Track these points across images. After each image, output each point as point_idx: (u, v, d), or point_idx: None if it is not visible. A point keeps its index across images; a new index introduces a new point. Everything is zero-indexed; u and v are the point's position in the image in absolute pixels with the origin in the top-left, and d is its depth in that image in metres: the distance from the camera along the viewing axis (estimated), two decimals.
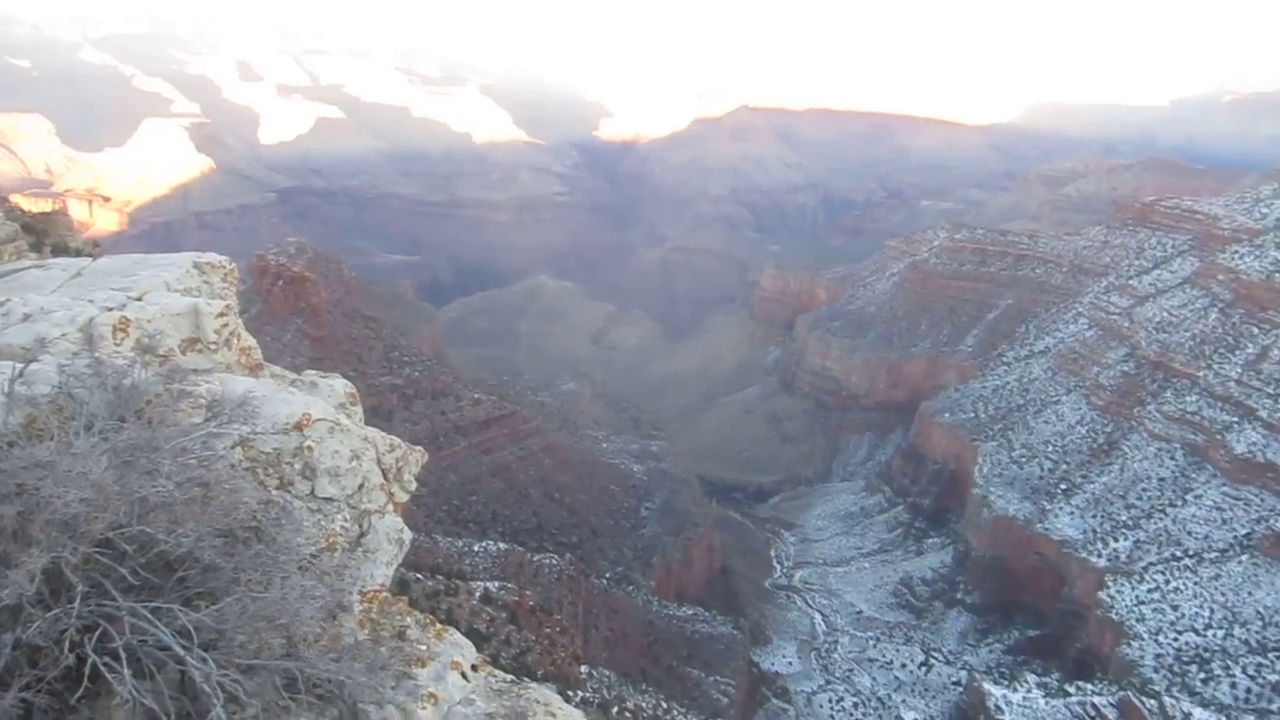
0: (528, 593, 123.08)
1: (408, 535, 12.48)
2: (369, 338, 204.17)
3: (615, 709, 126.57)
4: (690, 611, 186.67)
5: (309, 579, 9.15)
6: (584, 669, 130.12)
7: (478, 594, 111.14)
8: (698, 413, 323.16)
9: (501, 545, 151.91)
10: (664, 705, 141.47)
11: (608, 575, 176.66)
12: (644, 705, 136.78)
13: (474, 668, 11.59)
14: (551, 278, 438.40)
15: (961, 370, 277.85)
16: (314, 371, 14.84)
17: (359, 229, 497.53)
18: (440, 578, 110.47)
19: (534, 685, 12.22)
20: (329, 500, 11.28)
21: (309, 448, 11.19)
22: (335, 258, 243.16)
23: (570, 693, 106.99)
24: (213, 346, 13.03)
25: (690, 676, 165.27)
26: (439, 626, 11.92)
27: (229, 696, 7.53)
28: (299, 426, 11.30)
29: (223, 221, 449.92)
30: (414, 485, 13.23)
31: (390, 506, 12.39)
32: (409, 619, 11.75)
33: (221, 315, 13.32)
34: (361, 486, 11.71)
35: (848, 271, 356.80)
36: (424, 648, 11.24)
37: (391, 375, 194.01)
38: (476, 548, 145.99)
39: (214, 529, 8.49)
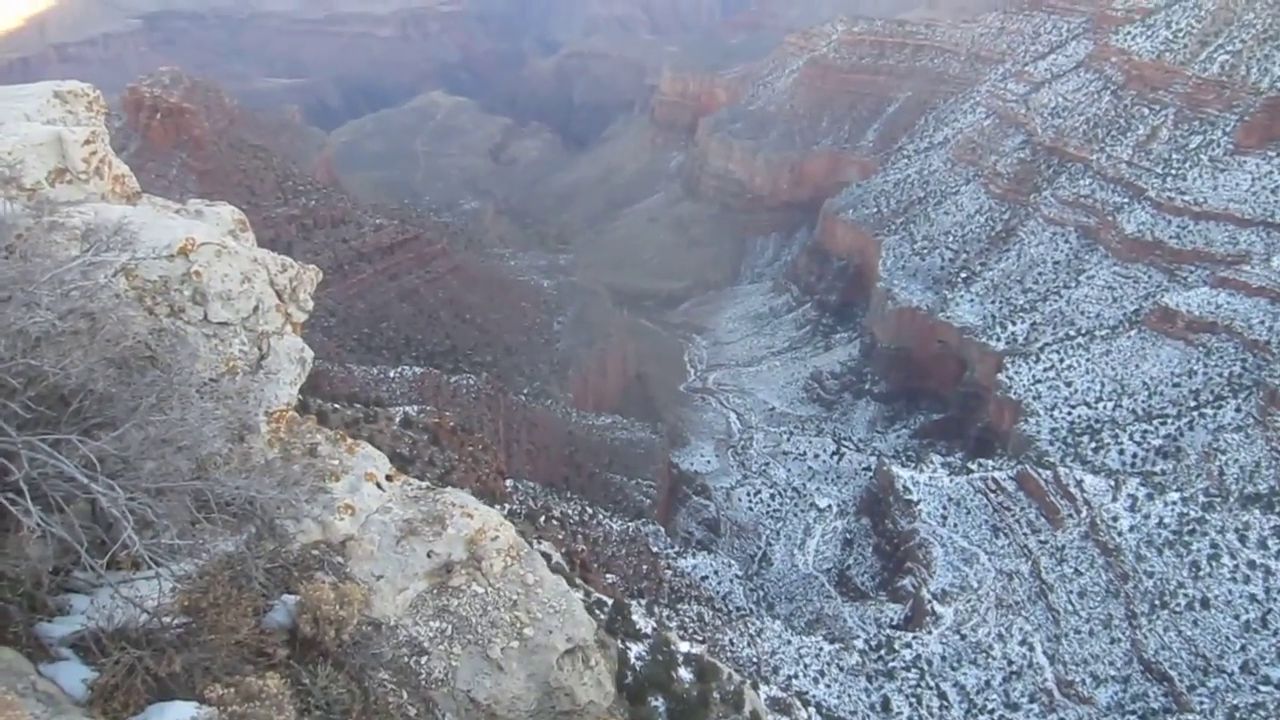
0: (447, 414, 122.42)
1: (309, 354, 12.20)
2: (259, 168, 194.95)
3: (542, 518, 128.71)
4: (609, 420, 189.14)
5: (210, 402, 9.28)
6: (508, 483, 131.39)
7: (397, 419, 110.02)
8: (603, 223, 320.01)
9: (417, 369, 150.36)
10: (589, 510, 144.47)
11: (525, 391, 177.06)
12: (569, 512, 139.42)
13: (388, 478, 11.71)
14: (444, 93, 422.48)
15: (863, 166, 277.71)
16: (200, 200, 14.07)
17: (235, 53, 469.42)
18: (358, 405, 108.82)
19: (449, 490, 12.21)
20: (224, 325, 10.99)
21: (197, 273, 10.80)
22: (213, 86, 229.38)
23: (496, 506, 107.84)
24: (83, 176, 12.39)
25: (613, 481, 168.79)
26: (350, 441, 11.94)
27: (141, 521, 7.58)
28: (184, 252, 10.85)
29: (86, 54, 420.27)
30: (310, 304, 12.83)
31: (288, 327, 12.07)
32: (319, 436, 11.72)
33: (89, 143, 12.57)
34: (256, 309, 11.37)
35: (747, 70, 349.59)
36: (336, 462, 11.36)
37: (287, 206, 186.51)
38: (392, 373, 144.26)
39: (105, 359, 8.43)
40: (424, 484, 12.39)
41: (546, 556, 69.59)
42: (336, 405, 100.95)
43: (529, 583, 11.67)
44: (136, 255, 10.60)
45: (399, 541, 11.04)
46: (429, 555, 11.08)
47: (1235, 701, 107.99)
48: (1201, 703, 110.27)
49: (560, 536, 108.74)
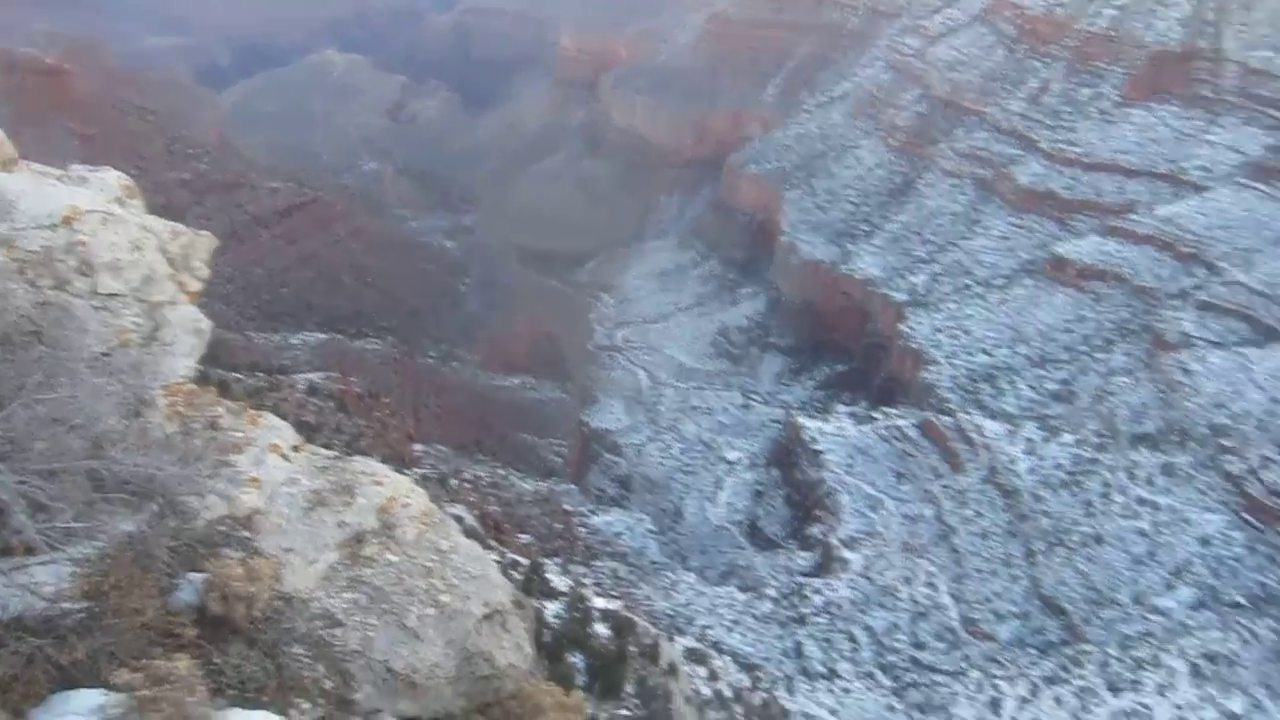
0: (353, 380, 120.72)
1: (207, 324, 11.84)
2: (147, 131, 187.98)
3: (453, 481, 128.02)
4: (518, 380, 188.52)
5: (102, 377, 8.98)
6: (418, 447, 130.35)
7: (302, 387, 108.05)
8: (507, 182, 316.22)
9: (320, 335, 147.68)
10: (501, 472, 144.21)
11: (433, 354, 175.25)
12: (481, 474, 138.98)
13: (295, 448, 11.45)
14: (338, 51, 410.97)
15: (765, 121, 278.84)
16: (83, 166, 13.34)
17: (118, 10, 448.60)
18: (261, 374, 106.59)
19: (358, 458, 12.00)
20: (114, 296, 10.64)
21: (82, 243, 10.42)
22: (95, 45, 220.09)
23: (406, 471, 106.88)
24: None
25: (524, 442, 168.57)
26: (253, 412, 11.66)
27: (34, 505, 7.36)
28: (67, 221, 10.47)
29: None
30: (206, 272, 12.42)
31: (183, 297, 11.74)
32: (219, 408, 11.38)
33: None
34: (148, 279, 11.05)
35: (648, 26, 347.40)
36: (239, 434, 11.06)
37: (177, 170, 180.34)
38: (294, 340, 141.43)
39: None
40: (332, 453, 12.13)
41: (459, 520, 69.38)
42: (238, 375, 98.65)
43: (443, 549, 11.51)
44: (15, 226, 10.22)
45: (308, 513, 10.79)
46: (340, 526, 10.86)
47: (1127, 630, 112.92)
48: (1095, 633, 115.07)
49: (473, 499, 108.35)
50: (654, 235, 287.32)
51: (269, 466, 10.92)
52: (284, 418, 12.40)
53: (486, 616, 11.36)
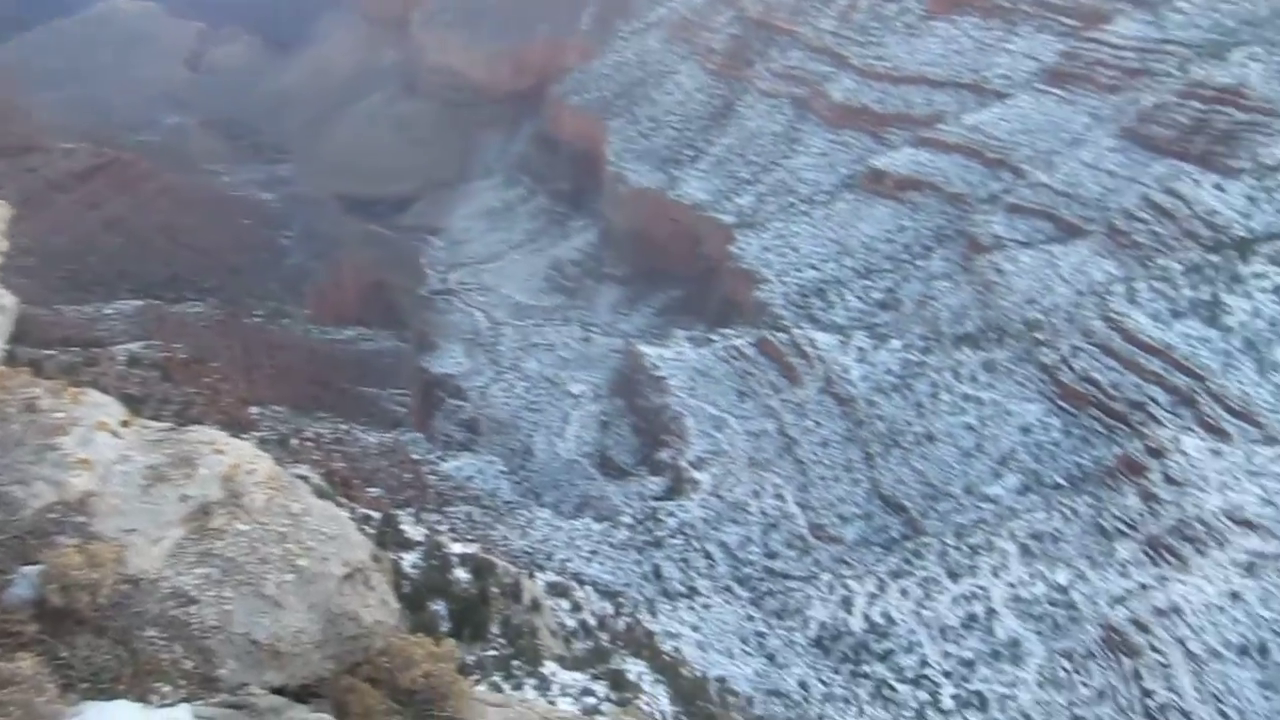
0: (177, 346, 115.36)
1: (10, 300, 11.32)
2: None
3: (294, 441, 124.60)
4: (352, 332, 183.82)
5: None
6: (254, 410, 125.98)
7: (122, 358, 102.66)
8: (321, 129, 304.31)
9: (135, 303, 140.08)
10: (343, 427, 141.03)
11: (259, 313, 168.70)
12: (323, 431, 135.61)
13: (124, 423, 10.87)
14: None
15: (583, 50, 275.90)
16: None
17: None
18: (75, 349, 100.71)
19: (195, 428, 11.47)
20: None
21: None
22: None
23: (244, 435, 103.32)
24: None
25: (365, 395, 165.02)
26: (73, 389, 11.01)
27: None
28: None
29: None
30: (3, 244, 11.69)
31: None
32: (36, 389, 10.78)
33: None
34: None
35: None
36: (61, 415, 10.43)
37: None
38: (108, 310, 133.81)
39: None
40: (165, 425, 11.55)
41: (304, 480, 67.55)
42: (50, 352, 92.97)
43: (295, 512, 11.04)
44: None
45: (146, 490, 10.25)
46: (182, 500, 10.35)
47: (961, 520, 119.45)
48: (933, 525, 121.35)
49: (317, 458, 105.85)
50: (479, 174, 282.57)
51: (98, 445, 10.31)
52: (106, 392, 11.68)
53: (348, 576, 11.05)
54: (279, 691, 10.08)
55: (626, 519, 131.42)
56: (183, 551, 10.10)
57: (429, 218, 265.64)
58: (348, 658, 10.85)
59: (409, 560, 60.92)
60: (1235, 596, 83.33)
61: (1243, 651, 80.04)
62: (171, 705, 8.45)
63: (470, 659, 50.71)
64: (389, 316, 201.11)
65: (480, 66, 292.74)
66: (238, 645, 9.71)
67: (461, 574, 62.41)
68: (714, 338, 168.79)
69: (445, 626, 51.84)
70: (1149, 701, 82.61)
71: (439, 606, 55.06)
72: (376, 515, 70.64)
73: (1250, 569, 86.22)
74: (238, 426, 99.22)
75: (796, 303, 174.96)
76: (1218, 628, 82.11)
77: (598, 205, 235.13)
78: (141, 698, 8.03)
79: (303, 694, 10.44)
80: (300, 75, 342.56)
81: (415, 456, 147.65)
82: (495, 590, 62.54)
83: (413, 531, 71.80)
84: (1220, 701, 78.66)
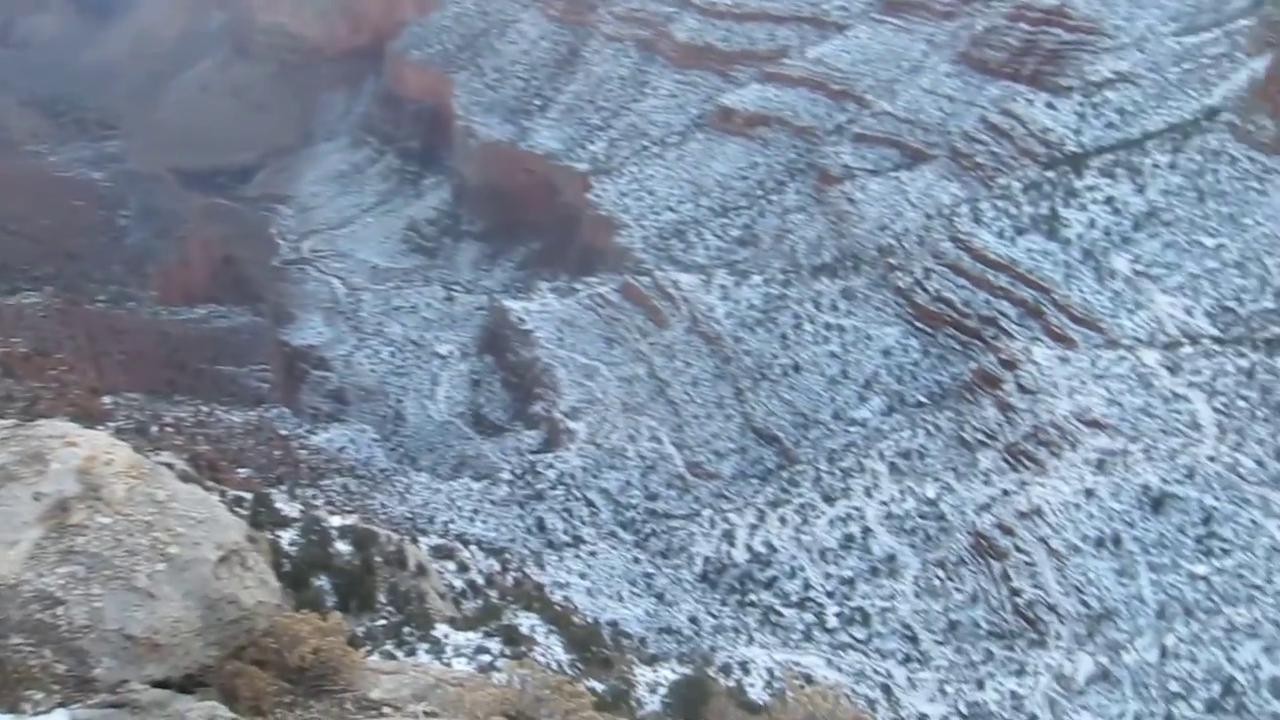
0: (16, 340, 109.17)
1: None
2: None
3: (154, 428, 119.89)
4: (204, 310, 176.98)
5: None
6: (106, 399, 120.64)
7: None
8: (149, 100, 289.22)
9: None
10: (204, 409, 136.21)
11: (102, 298, 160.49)
12: (184, 415, 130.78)
13: None
14: None
15: (420, 3, 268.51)
16: None
17: None
18: None
19: (44, 421, 11.01)
20: None
21: None
22: None
23: (98, 426, 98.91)
24: None
25: (224, 374, 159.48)
26: None
27: None
28: None
29: None
30: None
31: None
32: None
33: None
34: None
35: None
36: None
37: None
38: None
39: None
40: (8, 422, 11.02)
41: (169, 466, 65.14)
42: None
43: (160, 499, 10.57)
44: None
45: None
46: (36, 498, 9.85)
47: (832, 445, 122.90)
48: (806, 453, 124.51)
49: (180, 442, 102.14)
50: (323, 137, 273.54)
51: None
52: None
53: (222, 559, 10.62)
54: (162, 685, 9.71)
55: (506, 475, 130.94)
56: (43, 552, 9.60)
57: (274, 186, 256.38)
58: (231, 642, 10.48)
59: (287, 538, 59.49)
60: (1089, 493, 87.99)
61: (1099, 544, 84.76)
62: (47, 712, 8.01)
63: (360, 630, 49.97)
64: (242, 291, 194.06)
65: (313, 24, 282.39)
66: (112, 642, 9.26)
67: (343, 546, 61.31)
68: (578, 287, 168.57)
69: (331, 601, 50.89)
70: (1017, 600, 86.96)
71: (323, 581, 54.03)
72: (248, 496, 68.65)
73: (1101, 466, 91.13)
74: (90, 418, 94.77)
75: (657, 246, 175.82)
76: (1075, 524, 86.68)
77: (449, 161, 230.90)
78: (13, 708, 7.57)
79: (188, 684, 10.08)
80: (122, 44, 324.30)
81: (283, 432, 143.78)
82: (379, 559, 61.67)
83: (288, 509, 70.08)
84: (1081, 592, 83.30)
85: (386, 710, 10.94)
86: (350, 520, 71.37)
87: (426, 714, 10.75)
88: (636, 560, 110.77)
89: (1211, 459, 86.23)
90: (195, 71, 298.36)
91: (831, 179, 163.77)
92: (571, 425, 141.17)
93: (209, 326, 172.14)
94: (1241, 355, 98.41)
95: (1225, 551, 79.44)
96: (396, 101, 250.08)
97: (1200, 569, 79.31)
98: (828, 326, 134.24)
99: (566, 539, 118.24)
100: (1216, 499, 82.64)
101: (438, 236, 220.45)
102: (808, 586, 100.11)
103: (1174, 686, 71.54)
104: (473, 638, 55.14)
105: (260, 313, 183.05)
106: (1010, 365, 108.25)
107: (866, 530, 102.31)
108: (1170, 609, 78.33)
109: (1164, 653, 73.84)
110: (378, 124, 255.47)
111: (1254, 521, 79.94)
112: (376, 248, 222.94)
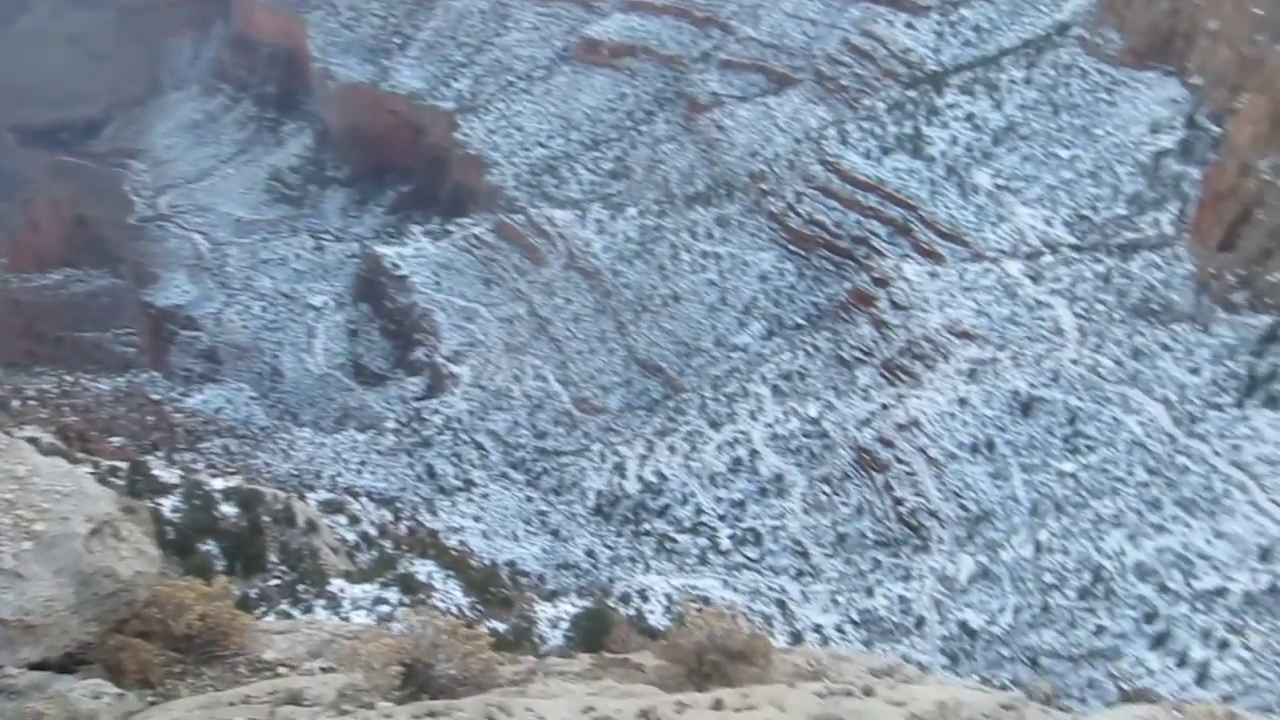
0: None
1: None
2: None
3: (15, 402, 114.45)
4: (59, 275, 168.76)
5: None
6: None
7: None
8: None
9: None
10: (69, 379, 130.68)
11: None
12: (46, 387, 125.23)
13: None
14: None
15: None
16: None
17: None
18: None
19: None
20: None
21: None
22: None
23: None
24: None
25: (86, 340, 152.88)
26: None
27: None
28: None
29: None
30: None
31: None
32: None
33: None
34: None
35: None
36: None
37: None
38: None
39: None
40: None
41: (33, 442, 62.31)
42: None
43: (21, 475, 10.14)
44: None
45: None
46: None
47: (715, 372, 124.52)
48: (690, 381, 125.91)
49: (45, 415, 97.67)
50: (172, 86, 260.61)
51: None
52: None
53: (94, 532, 10.17)
54: (39, 666, 9.29)
55: (391, 424, 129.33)
56: None
57: (124, 140, 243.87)
58: (111, 617, 10.10)
59: (169, 505, 57.55)
60: (963, 402, 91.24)
61: (974, 450, 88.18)
62: None
63: (254, 592, 49.00)
64: (98, 253, 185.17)
65: None
66: None
67: (228, 509, 59.70)
68: (451, 229, 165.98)
69: (220, 565, 49.64)
70: (900, 509, 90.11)
71: (210, 546, 52.59)
72: (124, 465, 66.15)
73: (972, 375, 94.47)
74: None
75: (529, 182, 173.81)
76: (951, 433, 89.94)
77: (309, 106, 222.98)
78: None
79: (69, 663, 9.70)
80: None
81: (155, 397, 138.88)
82: (267, 519, 60.31)
83: (167, 475, 67.80)
84: (960, 497, 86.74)
85: (282, 670, 10.72)
86: (233, 482, 69.57)
87: (323, 670, 10.56)
88: (529, 499, 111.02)
89: (1074, 362, 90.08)
90: (28, 21, 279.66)
91: (700, 107, 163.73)
92: (455, 369, 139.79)
93: (66, 292, 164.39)
94: (1098, 261, 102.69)
95: (1090, 448, 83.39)
96: (248, 45, 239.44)
97: (1068, 466, 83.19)
98: (704, 255, 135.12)
99: (458, 484, 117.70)
100: (1080, 399, 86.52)
101: (302, 185, 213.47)
102: (700, 512, 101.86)
103: (1049, 579, 75.29)
104: (370, 589, 54.59)
105: (120, 274, 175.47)
106: (883, 283, 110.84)
107: (754, 453, 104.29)
108: (1042, 506, 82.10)
109: (1038, 548, 77.51)
110: (230, 70, 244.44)
111: (1115, 419, 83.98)
112: (239, 200, 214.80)
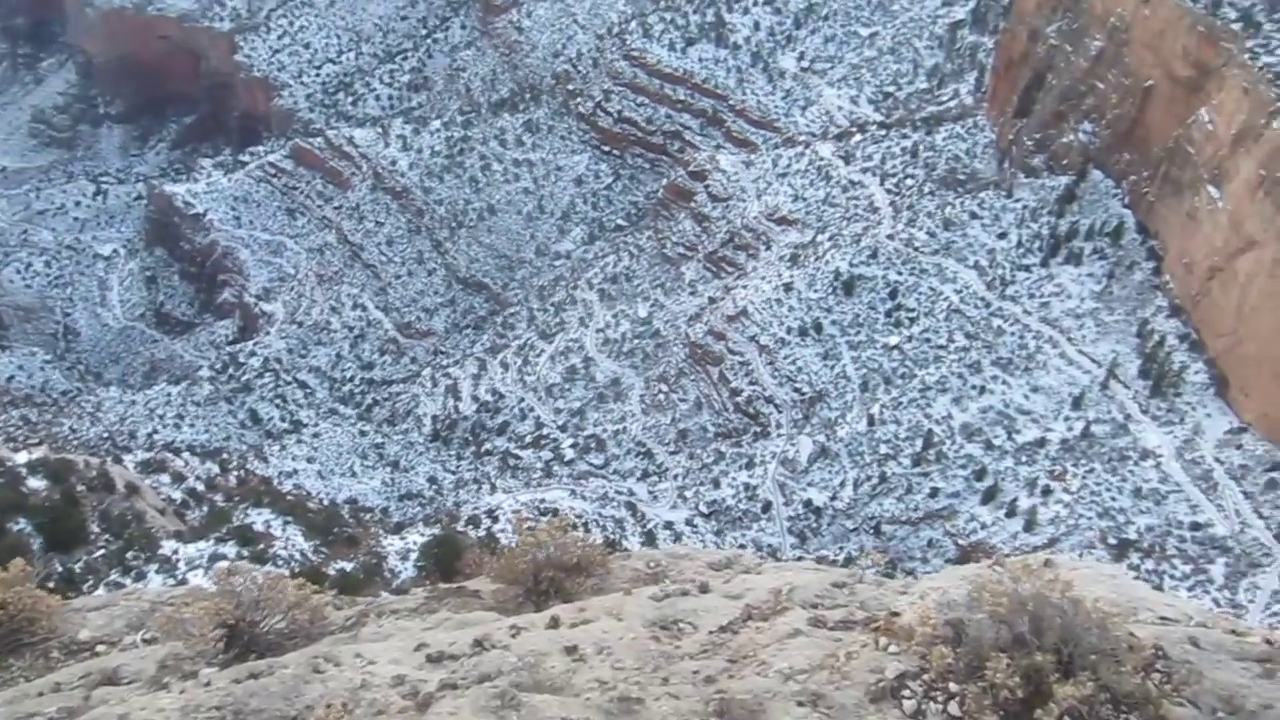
0: None
1: None
2: None
3: None
4: None
5: None
6: None
7: None
8: None
9: None
10: None
11: None
12: None
13: None
14: None
15: None
16: None
17: None
18: None
19: None
20: None
21: None
22: None
23: None
24: None
25: None
26: None
27: None
28: None
29: None
30: None
31: None
32: None
33: None
34: None
35: None
36: None
37: None
38: None
39: None
40: None
41: None
42: None
43: None
44: None
45: None
46: None
47: (540, 282, 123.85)
48: (516, 294, 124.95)
49: None
50: None
51: None
52: None
53: None
54: None
55: (205, 373, 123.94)
56: None
57: None
58: None
59: None
60: (788, 287, 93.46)
61: (802, 333, 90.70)
62: None
63: (78, 566, 46.44)
64: None
65: None
66: None
67: (36, 483, 56.11)
68: (245, 159, 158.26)
69: (37, 543, 46.71)
70: (738, 399, 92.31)
71: (22, 525, 49.38)
72: None
73: (794, 260, 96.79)
74: None
75: (323, 103, 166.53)
76: (779, 319, 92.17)
77: (66, 38, 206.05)
78: None
79: None
80: None
81: None
82: (82, 488, 57.03)
83: None
84: (793, 380, 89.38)
85: (100, 649, 9.89)
86: (38, 453, 65.33)
87: (145, 641, 9.79)
88: (363, 433, 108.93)
89: (890, 237, 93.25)
90: None
91: (496, 9, 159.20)
92: (266, 307, 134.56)
93: None
94: (905, 136, 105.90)
95: (912, 320, 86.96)
96: None
97: (893, 340, 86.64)
98: (516, 163, 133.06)
99: (285, 426, 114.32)
100: (899, 273, 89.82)
101: (72, 125, 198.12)
102: (540, 425, 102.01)
103: (884, 450, 78.77)
104: (204, 547, 52.67)
105: None
106: (699, 176, 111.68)
107: (588, 360, 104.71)
108: (872, 381, 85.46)
109: (871, 421, 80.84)
110: None
111: (932, 289, 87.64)
112: (1, 147, 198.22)
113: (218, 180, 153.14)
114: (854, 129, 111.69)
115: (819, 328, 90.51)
